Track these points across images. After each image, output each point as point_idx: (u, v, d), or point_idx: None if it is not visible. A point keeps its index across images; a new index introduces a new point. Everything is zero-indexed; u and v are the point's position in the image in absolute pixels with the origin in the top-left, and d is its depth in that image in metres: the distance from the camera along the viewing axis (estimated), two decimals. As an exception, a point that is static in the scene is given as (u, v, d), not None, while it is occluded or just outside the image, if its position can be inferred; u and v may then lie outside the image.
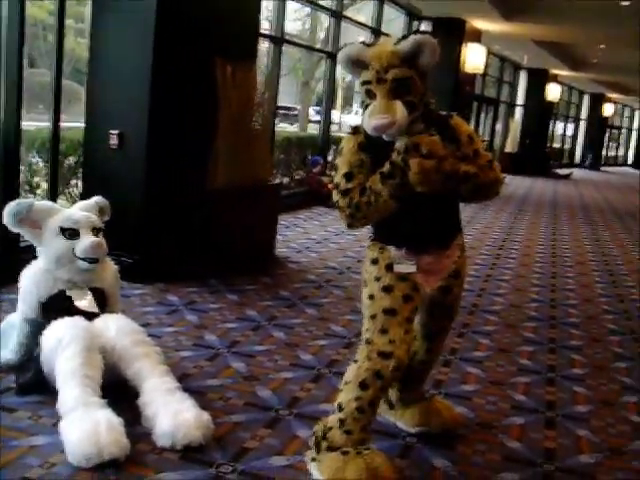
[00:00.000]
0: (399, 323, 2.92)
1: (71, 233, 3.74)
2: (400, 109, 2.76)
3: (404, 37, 2.83)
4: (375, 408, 3.00)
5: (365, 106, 2.86)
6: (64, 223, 3.75)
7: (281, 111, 10.03)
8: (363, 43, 2.90)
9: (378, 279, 2.97)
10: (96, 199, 4.08)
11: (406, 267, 2.96)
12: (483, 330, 5.38)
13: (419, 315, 3.19)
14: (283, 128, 14.38)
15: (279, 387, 3.91)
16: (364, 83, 2.86)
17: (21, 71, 5.22)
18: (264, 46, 9.69)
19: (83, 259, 3.72)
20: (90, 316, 3.61)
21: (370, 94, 2.84)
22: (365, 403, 2.92)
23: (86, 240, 3.73)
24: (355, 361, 3.00)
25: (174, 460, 3.04)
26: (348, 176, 2.90)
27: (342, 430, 2.95)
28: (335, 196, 2.94)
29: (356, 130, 2.98)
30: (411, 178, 2.73)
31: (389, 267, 2.97)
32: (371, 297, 2.98)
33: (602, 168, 32.74)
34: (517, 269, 7.85)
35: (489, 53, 18.08)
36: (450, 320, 3.37)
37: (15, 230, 3.78)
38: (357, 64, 2.87)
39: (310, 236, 8.57)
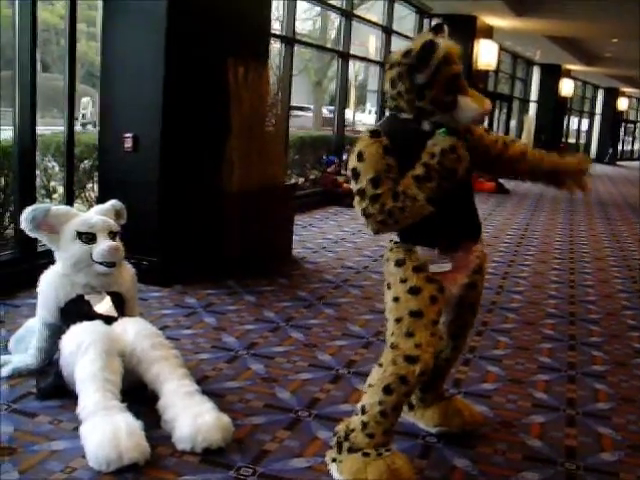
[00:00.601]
0: (425, 326, 2.88)
1: (88, 237, 3.74)
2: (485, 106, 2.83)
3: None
4: (398, 412, 3.00)
5: (446, 100, 2.81)
6: (81, 227, 3.75)
7: (294, 111, 10.01)
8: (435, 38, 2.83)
9: (404, 281, 2.91)
10: (112, 202, 4.09)
11: (441, 267, 2.93)
12: (502, 328, 5.35)
13: (445, 315, 3.17)
14: (298, 128, 14.39)
15: (298, 388, 3.90)
16: (456, 77, 2.82)
17: (34, 76, 5.25)
18: (276, 46, 9.70)
19: (100, 263, 3.72)
20: (109, 320, 3.61)
21: (455, 89, 2.81)
22: (389, 408, 2.90)
23: (103, 244, 3.73)
24: (380, 364, 2.97)
25: (194, 463, 3.04)
26: (376, 181, 2.77)
27: (364, 433, 2.93)
28: (361, 203, 2.81)
29: (377, 134, 2.85)
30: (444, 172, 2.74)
31: (417, 269, 2.91)
32: (396, 299, 2.93)
33: (618, 162, 32.53)
34: (535, 266, 7.81)
35: (501, 49, 18.01)
36: (474, 316, 3.35)
37: (32, 235, 3.79)
38: (438, 65, 2.79)
39: (326, 236, 8.56)
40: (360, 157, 2.82)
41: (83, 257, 3.71)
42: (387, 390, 2.89)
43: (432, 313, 2.90)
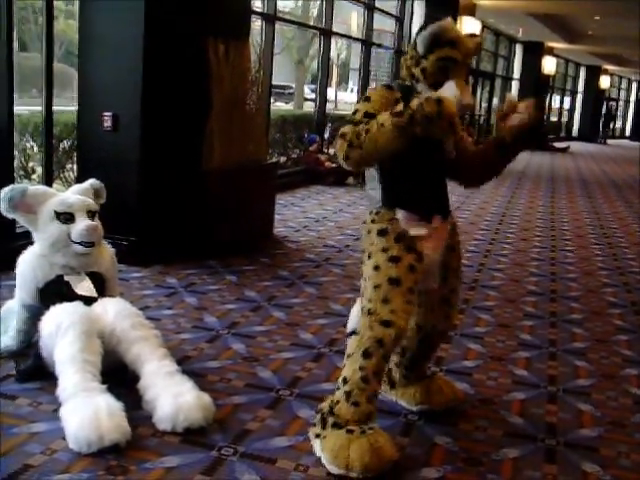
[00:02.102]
0: (402, 293, 2.95)
1: (66, 217, 3.70)
2: (468, 90, 2.95)
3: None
4: (379, 379, 3.02)
5: (433, 78, 2.96)
6: (59, 207, 3.71)
7: (276, 90, 9.95)
8: (450, 23, 2.98)
9: (385, 250, 2.99)
10: (91, 182, 4.05)
11: (419, 229, 3.03)
12: (483, 305, 5.37)
13: (434, 283, 3.23)
14: (278, 107, 14.32)
15: (280, 367, 3.90)
16: (446, 59, 2.94)
17: (11, 55, 5.16)
18: (257, 24, 9.62)
19: (79, 243, 3.69)
20: (88, 301, 3.58)
21: (444, 71, 2.94)
22: (370, 372, 2.93)
23: (81, 224, 3.69)
24: (354, 333, 3.02)
25: (175, 443, 3.03)
26: (368, 115, 2.90)
27: (349, 402, 2.94)
28: (345, 128, 2.90)
29: (390, 87, 3.05)
30: (419, 113, 2.74)
31: (397, 239, 2.99)
32: (376, 268, 2.99)
33: (599, 140, 32.63)
34: (516, 244, 7.83)
35: (484, 27, 17.97)
36: (459, 281, 3.38)
37: (10, 216, 3.74)
38: (440, 41, 2.94)
39: (308, 215, 8.54)
40: (367, 99, 3.00)
41: (61, 237, 3.68)
42: (366, 354, 2.93)
43: (409, 281, 2.98)
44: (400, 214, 3.02)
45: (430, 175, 3.10)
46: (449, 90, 2.87)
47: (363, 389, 2.94)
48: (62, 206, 3.72)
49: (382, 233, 3.02)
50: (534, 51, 24.18)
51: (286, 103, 19.72)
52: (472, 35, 3.13)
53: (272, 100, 11.22)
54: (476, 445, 3.23)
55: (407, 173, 3.03)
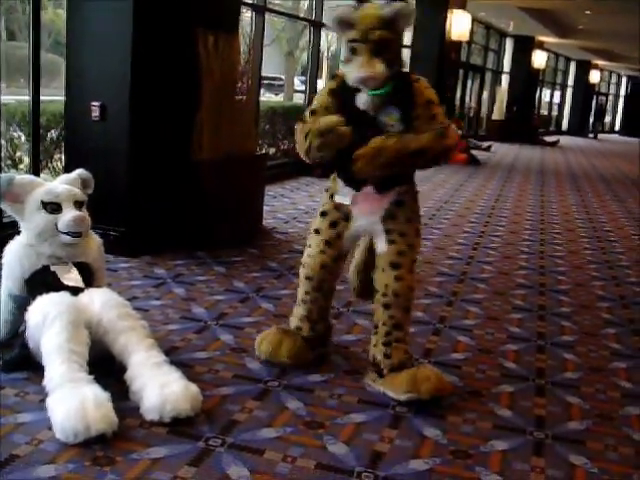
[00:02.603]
0: (319, 242, 3.65)
1: (53, 207, 3.66)
2: (379, 65, 3.27)
3: (387, 3, 3.31)
4: (310, 300, 3.76)
5: (347, 61, 3.37)
6: (45, 197, 3.67)
7: (265, 81, 9.91)
8: (353, 6, 3.34)
9: (322, 205, 3.69)
10: (78, 172, 4.01)
11: (342, 199, 3.57)
12: (472, 298, 5.36)
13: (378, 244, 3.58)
14: (268, 98, 14.27)
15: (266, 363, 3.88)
16: (350, 41, 3.32)
17: (-2, 44, 5.12)
18: (247, 15, 9.57)
19: (66, 233, 3.65)
20: (75, 291, 3.55)
21: (354, 51, 3.33)
22: (300, 296, 3.81)
23: (68, 214, 3.66)
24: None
25: (162, 434, 3.01)
26: (313, 112, 3.51)
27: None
28: (296, 125, 3.52)
29: (334, 76, 3.56)
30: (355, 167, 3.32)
31: (330, 197, 3.63)
32: (316, 231, 3.68)
33: (589, 135, 32.71)
34: (506, 237, 7.84)
35: (474, 20, 17.96)
36: (407, 245, 3.52)
37: (-5, 205, 3.71)
38: (345, 24, 3.34)
39: (297, 206, 8.52)
40: (317, 95, 3.66)
41: (48, 227, 3.64)
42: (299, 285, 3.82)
43: (328, 234, 3.61)
44: (338, 181, 3.58)
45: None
46: (353, 69, 3.32)
47: (297, 309, 3.86)
48: (49, 196, 3.68)
49: (325, 190, 3.70)
50: (524, 45, 24.20)
51: (276, 95, 19.67)
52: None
53: (262, 92, 11.18)
54: (465, 437, 3.23)
55: (345, 148, 3.36)
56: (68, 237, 3.67)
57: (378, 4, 3.35)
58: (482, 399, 3.64)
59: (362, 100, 3.40)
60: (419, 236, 3.63)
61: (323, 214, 3.64)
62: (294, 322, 3.88)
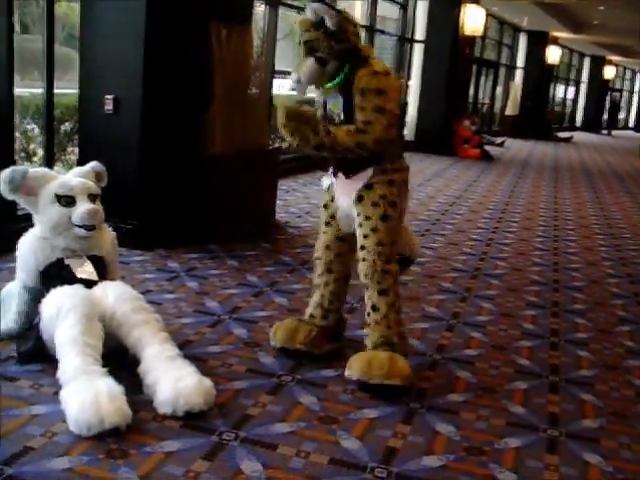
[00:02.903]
0: (320, 226, 3.93)
1: (67, 200, 3.67)
2: (307, 66, 3.50)
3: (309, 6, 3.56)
4: (319, 285, 3.94)
5: None
6: (59, 190, 3.68)
7: (279, 75, 9.90)
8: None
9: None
10: (92, 165, 4.01)
11: (325, 182, 3.91)
12: (486, 294, 5.34)
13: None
14: (281, 93, 14.21)
15: (281, 353, 3.87)
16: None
17: (11, 37, 5.11)
18: (260, 9, 9.54)
19: (80, 226, 3.66)
20: (89, 284, 3.56)
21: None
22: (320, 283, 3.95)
23: (82, 207, 3.66)
24: None
25: (176, 428, 3.01)
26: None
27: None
28: None
29: None
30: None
31: (328, 189, 3.89)
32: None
33: (603, 131, 32.51)
34: (519, 233, 7.80)
35: (488, 15, 17.86)
36: (371, 229, 3.61)
37: (10, 198, 3.71)
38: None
39: (310, 200, 8.50)
40: None
41: (62, 220, 3.65)
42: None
43: (324, 216, 3.90)
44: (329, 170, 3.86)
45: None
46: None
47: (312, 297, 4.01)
48: (63, 189, 3.69)
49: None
50: (538, 40, 24.03)
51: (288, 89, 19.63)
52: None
53: (274, 85, 11.15)
54: (478, 434, 3.22)
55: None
56: (82, 230, 3.67)
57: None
58: (495, 396, 3.63)
59: (317, 93, 3.71)
60: (385, 220, 3.59)
61: (324, 206, 3.93)
62: (308, 310, 3.99)
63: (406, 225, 4.00)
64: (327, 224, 3.88)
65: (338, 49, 3.50)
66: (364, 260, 3.64)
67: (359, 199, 3.64)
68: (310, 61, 3.50)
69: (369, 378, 3.46)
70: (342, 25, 3.48)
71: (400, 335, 3.67)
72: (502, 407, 3.50)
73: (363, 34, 13.72)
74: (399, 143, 3.95)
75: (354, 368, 3.53)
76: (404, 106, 15.88)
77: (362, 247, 3.65)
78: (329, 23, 3.46)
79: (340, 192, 3.76)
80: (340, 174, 3.73)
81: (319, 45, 3.50)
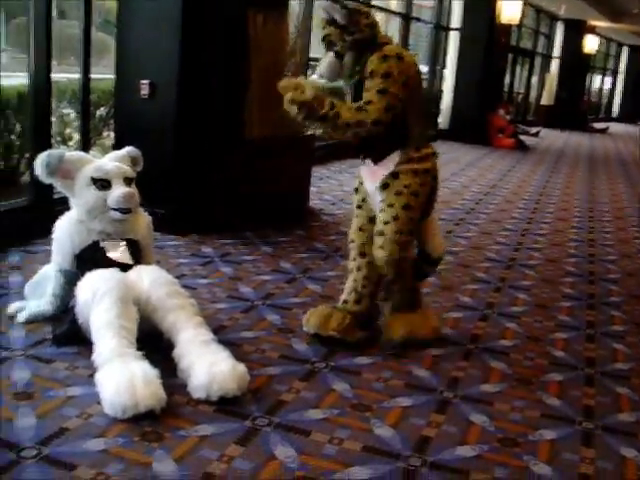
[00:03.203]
0: (353, 210, 4.03)
1: (103, 184, 3.69)
2: (327, 61, 3.71)
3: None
4: (355, 270, 3.98)
5: None
6: (95, 174, 3.70)
7: (313, 62, 9.87)
8: None
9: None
10: (128, 149, 4.03)
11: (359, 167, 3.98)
12: (521, 285, 5.29)
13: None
14: (314, 80, 14.20)
15: (314, 340, 3.87)
16: None
17: (49, 22, 5.14)
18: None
19: (115, 209, 3.68)
20: (124, 267, 3.57)
21: None
22: (354, 267, 3.99)
23: (118, 191, 3.68)
24: None
25: (209, 412, 3.02)
26: None
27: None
28: None
29: None
30: None
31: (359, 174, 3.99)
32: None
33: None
34: (554, 223, 7.72)
35: (525, 3, 17.63)
36: (391, 216, 3.73)
37: (47, 181, 3.73)
38: None
39: (344, 188, 8.46)
40: None
41: (98, 204, 3.67)
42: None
43: (355, 200, 4.00)
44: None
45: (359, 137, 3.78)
46: None
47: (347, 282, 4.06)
48: (99, 172, 3.71)
49: None
50: (575, 29, 23.69)
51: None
52: None
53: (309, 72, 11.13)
54: (512, 425, 3.19)
55: None
56: (117, 213, 3.69)
57: None
58: (530, 387, 3.59)
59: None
60: (407, 210, 3.71)
61: (355, 190, 4.05)
62: (343, 296, 4.03)
63: (435, 222, 4.12)
64: (359, 207, 3.97)
65: (351, 41, 3.64)
66: (381, 248, 3.75)
67: (384, 186, 3.75)
68: (329, 56, 3.70)
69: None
70: (352, 18, 3.63)
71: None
72: (537, 399, 3.47)
73: (398, 22, 13.63)
74: (424, 129, 4.01)
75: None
76: (438, 94, 15.79)
77: (381, 233, 3.76)
78: (338, 18, 3.62)
79: (366, 177, 3.88)
80: (368, 160, 3.84)
81: (335, 39, 3.67)
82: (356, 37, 3.63)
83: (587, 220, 8.12)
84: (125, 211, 3.72)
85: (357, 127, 3.58)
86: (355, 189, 4.02)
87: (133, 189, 3.79)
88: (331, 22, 3.66)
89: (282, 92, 3.65)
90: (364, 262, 3.92)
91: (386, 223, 3.73)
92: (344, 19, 3.61)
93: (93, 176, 3.70)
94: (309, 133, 7.70)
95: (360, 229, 3.95)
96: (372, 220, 3.89)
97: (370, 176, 3.84)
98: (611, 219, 8.33)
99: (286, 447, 2.82)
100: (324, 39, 3.72)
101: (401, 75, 3.59)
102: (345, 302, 3.97)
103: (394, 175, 3.73)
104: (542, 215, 8.15)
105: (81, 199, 3.71)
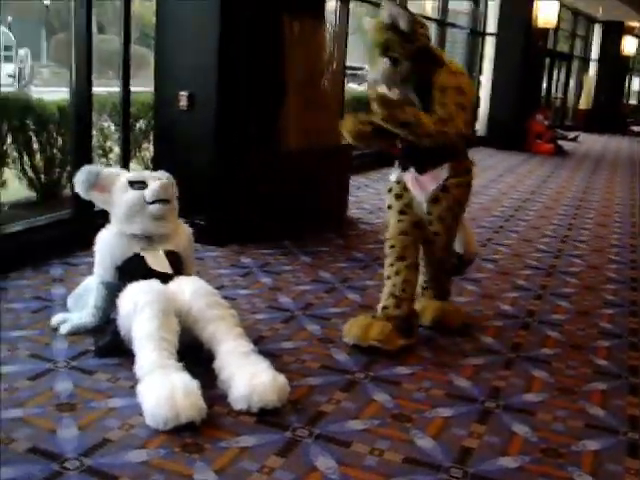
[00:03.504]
0: (394, 214, 4.01)
1: (140, 185, 3.81)
2: (383, 68, 3.65)
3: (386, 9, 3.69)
4: (394, 274, 3.97)
5: None
6: (131, 177, 3.87)
7: (350, 71, 9.88)
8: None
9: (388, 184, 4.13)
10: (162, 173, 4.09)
11: (396, 176, 4.01)
12: (562, 292, 5.24)
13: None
14: (352, 89, 14.20)
15: (355, 350, 3.86)
16: None
17: (90, 37, 5.23)
18: (331, 4, 9.51)
19: (153, 202, 3.74)
20: (165, 278, 3.61)
21: None
22: (392, 273, 4.00)
23: (154, 184, 3.79)
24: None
25: (250, 423, 3.03)
26: None
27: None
28: None
29: None
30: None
31: (398, 181, 4.00)
32: (389, 207, 4.08)
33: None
34: (595, 229, 7.63)
35: (562, 6, 17.47)
36: (443, 228, 3.94)
37: (86, 197, 3.88)
38: None
39: (382, 197, 8.35)
40: None
41: (136, 201, 3.76)
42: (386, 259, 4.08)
43: (398, 206, 3.99)
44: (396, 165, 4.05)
45: (401, 140, 3.89)
46: None
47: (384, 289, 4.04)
48: (135, 176, 3.90)
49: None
50: (614, 31, 23.42)
51: (358, 85, 19.58)
52: None
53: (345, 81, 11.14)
54: (555, 436, 3.15)
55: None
56: (156, 206, 3.75)
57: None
58: (573, 397, 3.55)
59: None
60: (455, 220, 4.01)
61: (390, 190, 4.06)
62: (381, 303, 4.03)
63: (468, 226, 4.38)
64: (402, 212, 3.99)
65: (410, 50, 3.64)
66: (433, 254, 4.07)
67: (434, 200, 3.86)
68: (385, 62, 3.65)
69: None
70: (413, 26, 3.64)
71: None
72: (580, 408, 3.42)
73: (434, 28, 13.59)
74: (470, 141, 4.12)
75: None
76: (475, 100, 15.70)
77: (431, 242, 4.01)
78: (402, 24, 3.61)
79: (412, 185, 3.93)
80: (412, 169, 3.89)
81: (393, 46, 3.63)
82: (414, 47, 3.65)
83: (629, 226, 8.01)
84: (163, 202, 3.79)
85: (439, 137, 3.65)
86: (396, 195, 4.01)
87: (170, 180, 3.91)
88: (391, 27, 3.64)
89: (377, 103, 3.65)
90: (403, 265, 3.96)
91: (437, 234, 3.96)
92: (408, 27, 3.61)
93: (130, 179, 3.84)
94: (346, 143, 7.71)
95: (404, 233, 3.98)
96: (416, 225, 3.96)
97: (417, 185, 3.90)
98: (653, 224, 8.21)
99: (327, 458, 2.82)
100: (380, 44, 3.67)
101: (471, 92, 3.85)
102: (385, 308, 3.97)
103: (444, 189, 3.84)
104: (582, 221, 8.05)
105: (120, 204, 3.80)
